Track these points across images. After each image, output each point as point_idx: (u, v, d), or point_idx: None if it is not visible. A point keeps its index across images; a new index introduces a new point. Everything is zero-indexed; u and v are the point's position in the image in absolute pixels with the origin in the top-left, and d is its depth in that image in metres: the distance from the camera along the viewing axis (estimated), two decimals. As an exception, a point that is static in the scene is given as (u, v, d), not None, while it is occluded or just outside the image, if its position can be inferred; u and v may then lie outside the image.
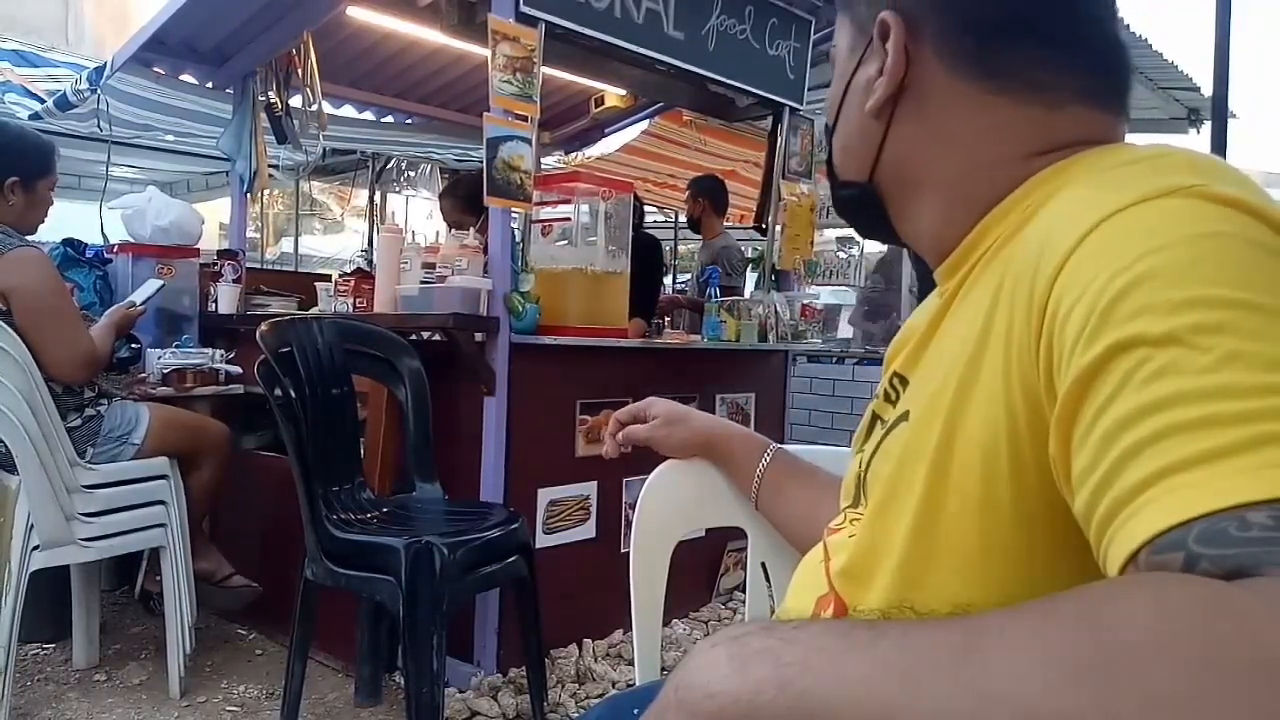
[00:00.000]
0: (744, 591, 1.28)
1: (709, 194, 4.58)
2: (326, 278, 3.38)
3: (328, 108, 3.86)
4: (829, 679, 0.38)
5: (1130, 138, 0.66)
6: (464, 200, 3.69)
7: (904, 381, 0.69)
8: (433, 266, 2.67)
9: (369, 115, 4.80)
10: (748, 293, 4.37)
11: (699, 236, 5.05)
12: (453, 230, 3.52)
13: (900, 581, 0.61)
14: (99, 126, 4.17)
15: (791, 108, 3.51)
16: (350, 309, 2.86)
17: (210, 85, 3.91)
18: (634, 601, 1.07)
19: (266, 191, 4.47)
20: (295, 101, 3.68)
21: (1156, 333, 0.43)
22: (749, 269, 4.72)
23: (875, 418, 0.74)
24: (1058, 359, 0.48)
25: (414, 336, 2.62)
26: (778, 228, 3.61)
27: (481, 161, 2.46)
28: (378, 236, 3.11)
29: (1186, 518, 0.38)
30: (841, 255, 7.61)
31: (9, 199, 2.33)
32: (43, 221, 2.48)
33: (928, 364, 0.66)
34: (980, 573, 0.57)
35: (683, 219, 8.76)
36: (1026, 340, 0.51)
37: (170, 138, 5.33)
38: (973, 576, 0.57)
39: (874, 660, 0.38)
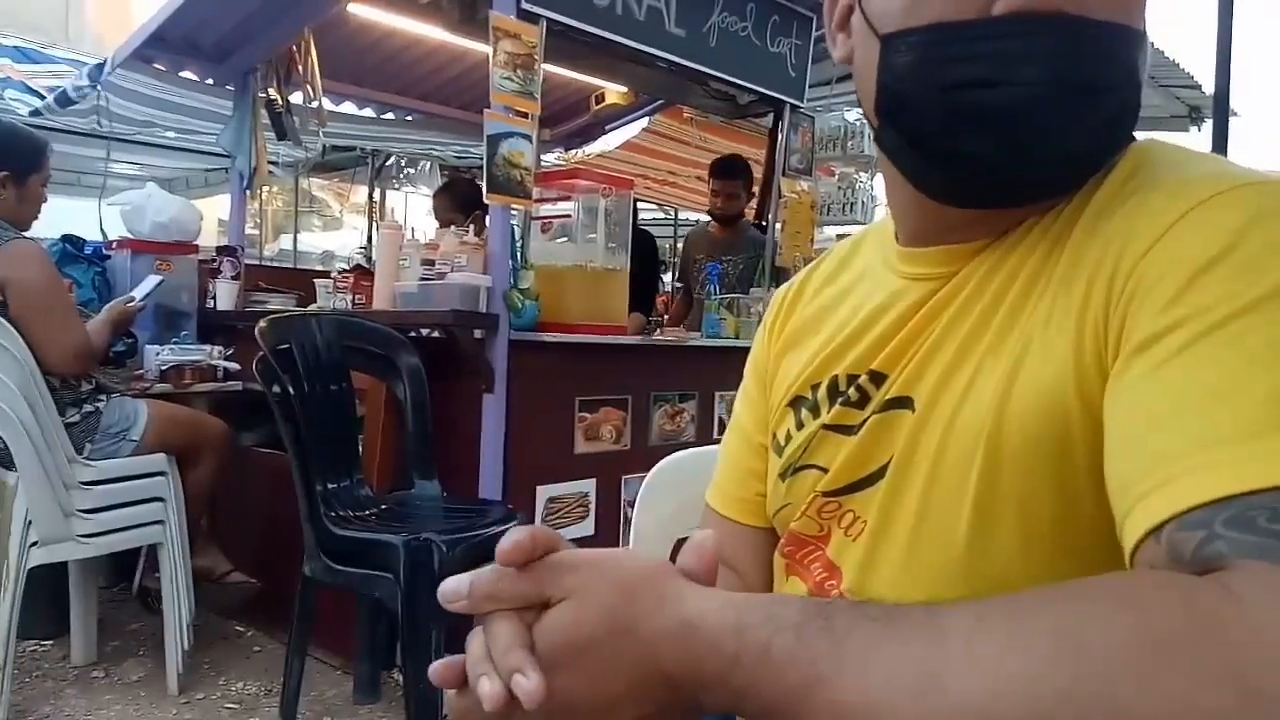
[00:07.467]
0: (743, 589, 1.27)
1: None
2: (325, 274, 3.37)
3: (328, 104, 3.86)
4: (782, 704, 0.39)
5: None
6: (456, 200, 3.70)
7: (878, 377, 0.67)
8: (432, 263, 2.66)
9: (369, 112, 4.79)
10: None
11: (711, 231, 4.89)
12: (453, 229, 3.52)
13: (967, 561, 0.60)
14: (99, 123, 4.17)
15: (792, 105, 3.50)
16: (349, 306, 2.86)
17: (211, 81, 3.91)
18: (633, 599, 1.06)
19: (266, 188, 4.47)
20: (296, 98, 3.67)
21: (1227, 309, 0.46)
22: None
23: (825, 429, 0.71)
24: (1131, 317, 0.51)
25: (413, 333, 2.61)
26: (778, 225, 3.61)
27: (481, 159, 2.46)
28: (377, 233, 3.11)
29: (1215, 497, 0.41)
30: (842, 253, 7.59)
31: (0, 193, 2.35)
32: (36, 218, 2.50)
33: (925, 355, 0.64)
34: (1056, 529, 0.57)
35: (684, 216, 8.78)
36: (1102, 315, 0.54)
37: (170, 134, 5.33)
38: (1047, 536, 0.57)
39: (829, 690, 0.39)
